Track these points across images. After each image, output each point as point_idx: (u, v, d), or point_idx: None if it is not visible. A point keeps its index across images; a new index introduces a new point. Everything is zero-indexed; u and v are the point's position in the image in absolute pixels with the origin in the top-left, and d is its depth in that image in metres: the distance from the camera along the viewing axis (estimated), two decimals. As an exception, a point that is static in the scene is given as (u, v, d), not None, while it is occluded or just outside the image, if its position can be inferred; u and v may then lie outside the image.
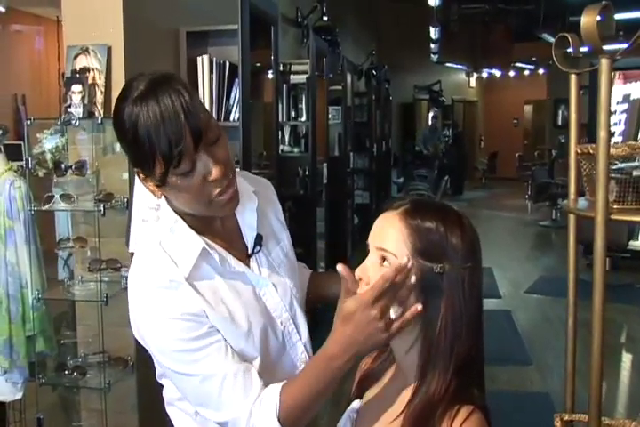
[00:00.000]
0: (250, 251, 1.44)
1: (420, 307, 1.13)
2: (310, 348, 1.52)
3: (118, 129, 1.25)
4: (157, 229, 1.38)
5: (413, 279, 1.14)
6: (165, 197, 1.35)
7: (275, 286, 1.45)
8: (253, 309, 1.39)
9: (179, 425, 1.46)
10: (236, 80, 3.46)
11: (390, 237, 1.16)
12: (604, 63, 1.47)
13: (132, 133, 1.20)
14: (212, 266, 1.36)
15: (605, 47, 1.48)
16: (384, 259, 1.17)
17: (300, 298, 1.52)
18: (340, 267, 1.16)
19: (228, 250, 1.39)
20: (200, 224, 1.36)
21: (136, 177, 1.35)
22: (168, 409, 1.48)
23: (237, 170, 1.40)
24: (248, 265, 1.43)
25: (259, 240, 1.45)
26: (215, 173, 1.24)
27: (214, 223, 1.39)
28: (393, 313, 1.15)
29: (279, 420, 1.25)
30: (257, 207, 1.45)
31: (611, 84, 1.51)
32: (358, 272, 1.20)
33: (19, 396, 2.82)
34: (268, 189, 1.62)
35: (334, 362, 1.21)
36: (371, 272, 1.18)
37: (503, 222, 11.99)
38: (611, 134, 1.50)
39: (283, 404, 1.26)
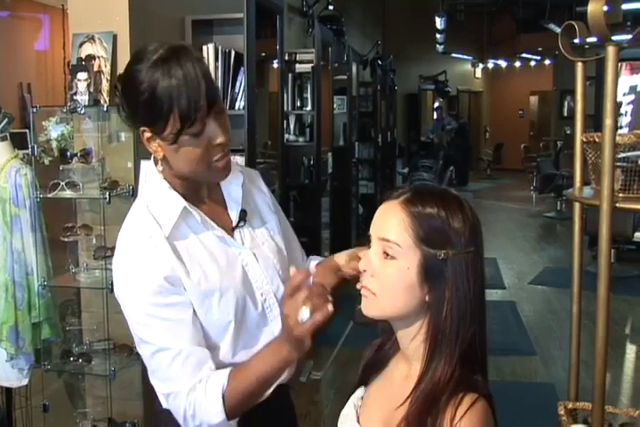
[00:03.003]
0: (234, 224, 1.50)
1: (330, 308, 1.25)
2: None
3: (133, 88, 1.32)
4: (146, 192, 1.46)
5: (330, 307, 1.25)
6: (164, 162, 1.41)
7: (256, 257, 1.50)
8: (232, 275, 1.44)
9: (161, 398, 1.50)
10: (242, 69, 3.46)
11: (392, 227, 1.17)
12: (611, 51, 1.47)
13: (149, 92, 1.29)
14: (193, 229, 1.43)
15: (612, 37, 1.48)
16: (387, 253, 1.17)
17: (284, 277, 1.54)
18: (291, 269, 1.29)
19: (212, 219, 1.46)
20: (187, 192, 1.44)
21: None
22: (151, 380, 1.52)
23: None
24: (232, 236, 1.49)
25: (243, 215, 1.51)
26: (222, 137, 1.35)
27: (201, 192, 1.48)
28: (301, 316, 1.26)
29: (223, 398, 1.32)
30: (242, 183, 1.52)
31: (617, 72, 1.51)
32: (362, 264, 1.21)
33: (25, 382, 2.83)
34: (256, 176, 1.68)
35: (282, 348, 1.33)
36: (374, 264, 1.19)
37: (508, 213, 11.98)
38: (617, 122, 1.49)
39: (230, 384, 1.34)
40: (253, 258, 1.49)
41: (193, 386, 1.34)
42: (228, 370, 1.36)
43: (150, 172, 1.46)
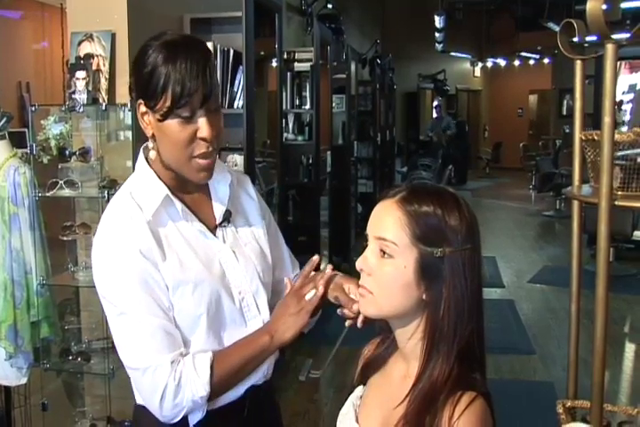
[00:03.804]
0: (218, 222, 1.51)
1: (321, 290, 1.41)
2: None
3: (140, 61, 1.36)
4: (131, 181, 1.48)
5: (328, 270, 1.42)
6: (153, 141, 1.43)
7: (236, 256, 1.50)
8: (209, 269, 1.44)
9: (136, 394, 1.51)
10: (240, 67, 3.46)
11: (389, 226, 1.17)
12: (610, 49, 1.47)
13: (151, 67, 1.33)
14: (173, 218, 1.44)
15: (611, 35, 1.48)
16: (384, 251, 1.17)
17: (265, 280, 1.55)
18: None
19: (194, 213, 1.47)
20: (174, 183, 1.45)
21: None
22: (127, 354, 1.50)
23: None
24: (214, 234, 1.50)
25: (227, 215, 1.51)
26: (206, 131, 1.36)
27: (188, 187, 1.48)
28: (308, 296, 1.43)
29: (211, 368, 1.36)
30: (230, 184, 1.53)
31: (616, 70, 1.51)
32: (359, 264, 1.21)
33: (23, 381, 2.83)
34: (246, 180, 1.68)
35: (264, 336, 1.43)
36: (371, 263, 1.19)
37: (507, 212, 11.98)
38: (615, 121, 1.49)
39: (216, 358, 1.39)
40: (233, 256, 1.49)
41: (176, 358, 1.35)
42: (210, 352, 1.40)
43: (140, 161, 1.48)
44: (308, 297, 1.43)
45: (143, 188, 1.44)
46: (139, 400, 1.50)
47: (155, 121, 1.37)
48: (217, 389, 1.38)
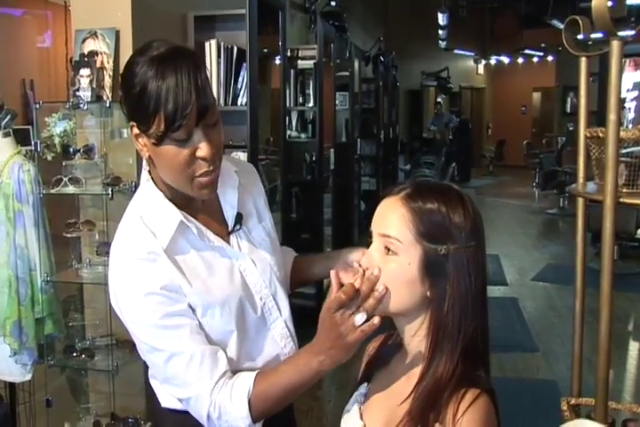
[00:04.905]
0: (230, 228, 1.47)
1: (377, 321, 1.16)
2: (292, 325, 1.55)
3: (127, 80, 1.28)
4: (139, 202, 1.43)
5: (381, 288, 1.16)
6: (150, 162, 1.38)
7: (254, 262, 1.48)
8: (230, 283, 1.42)
9: (160, 397, 1.50)
10: (244, 65, 3.46)
11: (393, 223, 1.17)
12: (615, 45, 1.47)
13: (140, 87, 1.25)
14: (189, 241, 1.39)
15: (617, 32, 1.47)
16: (388, 248, 1.17)
17: (281, 277, 1.54)
18: (332, 273, 1.19)
19: (207, 226, 1.43)
20: (180, 199, 1.40)
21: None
22: (151, 381, 1.51)
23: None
24: (228, 242, 1.46)
25: (239, 219, 1.48)
26: (205, 150, 1.29)
27: (195, 200, 1.42)
28: (358, 320, 1.18)
29: (249, 403, 1.30)
30: (238, 186, 1.49)
31: (621, 67, 1.51)
32: (364, 261, 1.21)
33: (28, 377, 2.84)
34: (251, 171, 1.65)
35: (314, 360, 1.26)
36: (376, 260, 1.19)
37: (510, 210, 11.97)
38: (620, 118, 1.49)
39: (256, 388, 1.31)
40: (252, 264, 1.47)
41: (214, 387, 1.32)
42: (253, 374, 1.34)
43: (144, 178, 1.43)
44: (358, 321, 1.19)
45: (154, 212, 1.38)
46: (164, 403, 1.48)
47: (150, 144, 1.30)
48: (260, 417, 1.33)
